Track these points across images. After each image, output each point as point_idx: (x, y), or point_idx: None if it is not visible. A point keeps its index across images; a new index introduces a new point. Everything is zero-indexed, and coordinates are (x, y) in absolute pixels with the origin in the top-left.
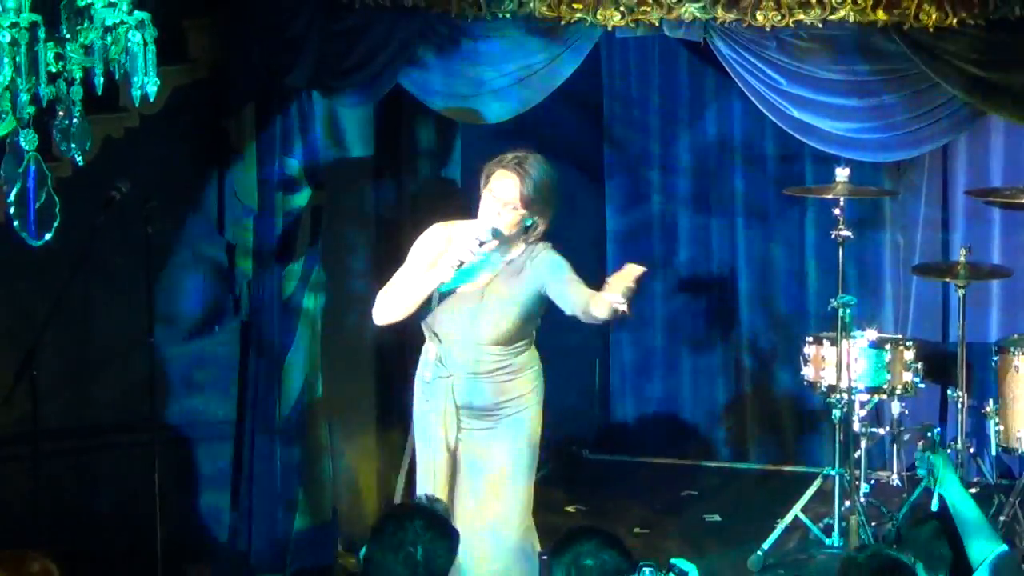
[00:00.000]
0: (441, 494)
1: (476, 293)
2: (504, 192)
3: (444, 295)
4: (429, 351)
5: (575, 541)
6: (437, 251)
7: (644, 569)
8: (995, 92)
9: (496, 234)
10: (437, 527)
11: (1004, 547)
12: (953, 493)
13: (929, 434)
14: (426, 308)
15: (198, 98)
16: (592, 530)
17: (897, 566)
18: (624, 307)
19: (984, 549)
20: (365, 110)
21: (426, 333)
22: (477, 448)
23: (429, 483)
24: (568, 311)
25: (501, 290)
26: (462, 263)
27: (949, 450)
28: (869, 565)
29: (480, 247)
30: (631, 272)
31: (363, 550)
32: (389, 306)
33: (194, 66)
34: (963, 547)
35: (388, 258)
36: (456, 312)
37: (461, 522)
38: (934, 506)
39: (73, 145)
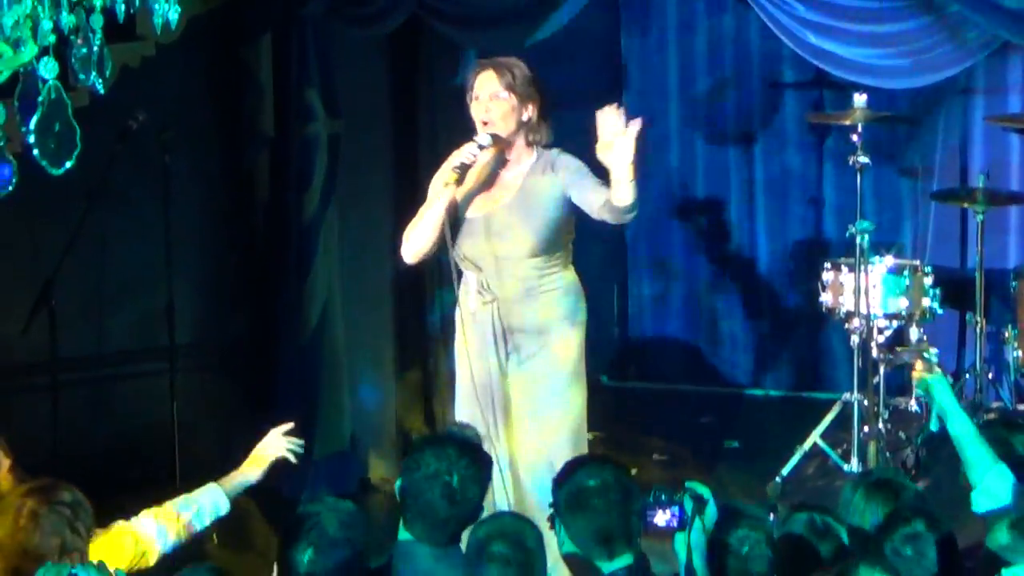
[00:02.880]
0: (492, 424)
1: (502, 209)
2: (485, 87)
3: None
4: (469, 281)
5: (575, 469)
6: (452, 169)
7: (659, 492)
8: (1013, 18)
9: (492, 135)
10: (470, 454)
11: (1005, 470)
12: (952, 415)
13: (926, 355)
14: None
15: (214, 27)
16: (590, 456)
17: (893, 485)
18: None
19: (984, 471)
20: (382, 41)
21: (460, 264)
22: (530, 372)
23: (476, 414)
24: (594, 213)
25: (527, 200)
26: (463, 166)
27: (967, 375)
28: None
29: (480, 150)
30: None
31: (398, 481)
32: (413, 239)
33: None
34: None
35: (404, 189)
36: (486, 234)
37: (520, 451)
38: (933, 426)
39: (93, 73)
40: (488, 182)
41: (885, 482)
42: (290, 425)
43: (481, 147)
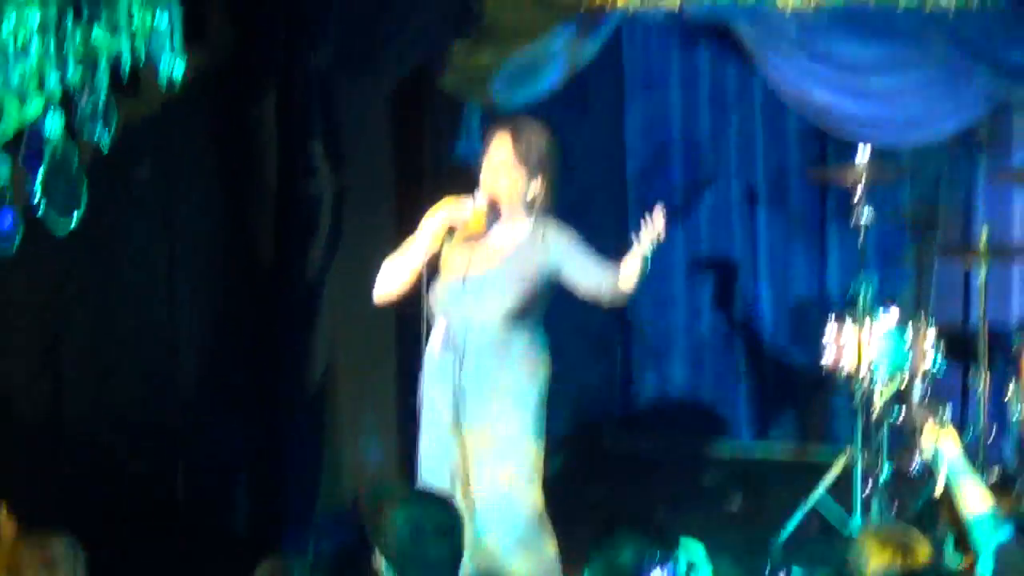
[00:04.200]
0: (451, 474)
1: (486, 273)
2: (498, 152)
3: (440, 271)
4: (437, 329)
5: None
6: (442, 225)
7: (653, 551)
8: (1016, 72)
9: (492, 203)
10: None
11: (1008, 531)
12: (960, 474)
13: (940, 409)
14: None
15: (219, 81)
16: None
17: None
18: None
19: (989, 533)
20: (387, 95)
21: (431, 312)
22: (482, 427)
23: (436, 464)
24: (587, 293)
25: (509, 266)
26: (452, 228)
27: (970, 432)
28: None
29: (474, 210)
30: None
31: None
32: (387, 278)
33: (216, 50)
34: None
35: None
36: (465, 292)
37: (479, 501)
38: (937, 492)
39: (99, 126)
40: (478, 242)
41: (899, 537)
42: None
43: (478, 208)
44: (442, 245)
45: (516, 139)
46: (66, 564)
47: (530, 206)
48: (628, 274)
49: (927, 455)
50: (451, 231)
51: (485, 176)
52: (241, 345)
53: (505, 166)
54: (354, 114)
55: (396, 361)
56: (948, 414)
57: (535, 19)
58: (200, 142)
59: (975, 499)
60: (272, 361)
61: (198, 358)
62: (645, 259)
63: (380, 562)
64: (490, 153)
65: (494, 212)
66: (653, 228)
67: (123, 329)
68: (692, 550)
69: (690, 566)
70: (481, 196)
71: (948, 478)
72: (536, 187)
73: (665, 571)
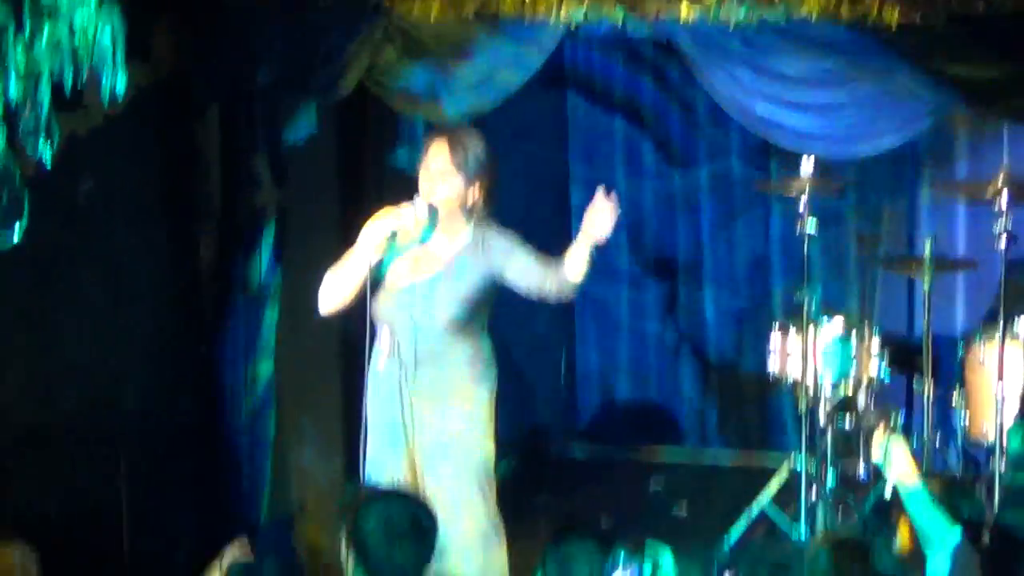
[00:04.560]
0: (398, 482)
1: (427, 281)
2: (436, 160)
3: (382, 279)
4: (382, 339)
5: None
6: (382, 233)
7: (619, 551)
8: (958, 87)
9: (431, 210)
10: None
11: (958, 532)
12: (910, 481)
13: (892, 415)
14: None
15: (162, 98)
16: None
17: (858, 546)
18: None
19: (939, 535)
20: (329, 111)
21: (375, 323)
22: (436, 437)
23: (381, 472)
24: (532, 290)
25: (451, 273)
26: (394, 235)
27: (915, 440)
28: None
29: (414, 219)
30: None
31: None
32: (330, 289)
33: (158, 66)
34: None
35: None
36: (407, 301)
37: None
38: (886, 494)
39: (41, 141)
40: (419, 250)
41: (855, 544)
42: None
43: (417, 217)
44: (384, 254)
45: (452, 147)
46: (20, 572)
47: (470, 212)
48: (574, 263)
49: (877, 459)
50: (393, 240)
51: (423, 184)
52: (184, 357)
53: (442, 173)
54: (296, 127)
55: (340, 373)
56: (900, 419)
57: (472, 32)
58: (143, 156)
59: (923, 502)
60: (215, 373)
61: (141, 370)
62: (591, 248)
63: (349, 563)
64: (427, 161)
65: (433, 219)
66: (598, 213)
67: (64, 342)
68: (658, 552)
69: (655, 567)
70: (420, 203)
71: (897, 483)
72: (474, 193)
73: (628, 572)
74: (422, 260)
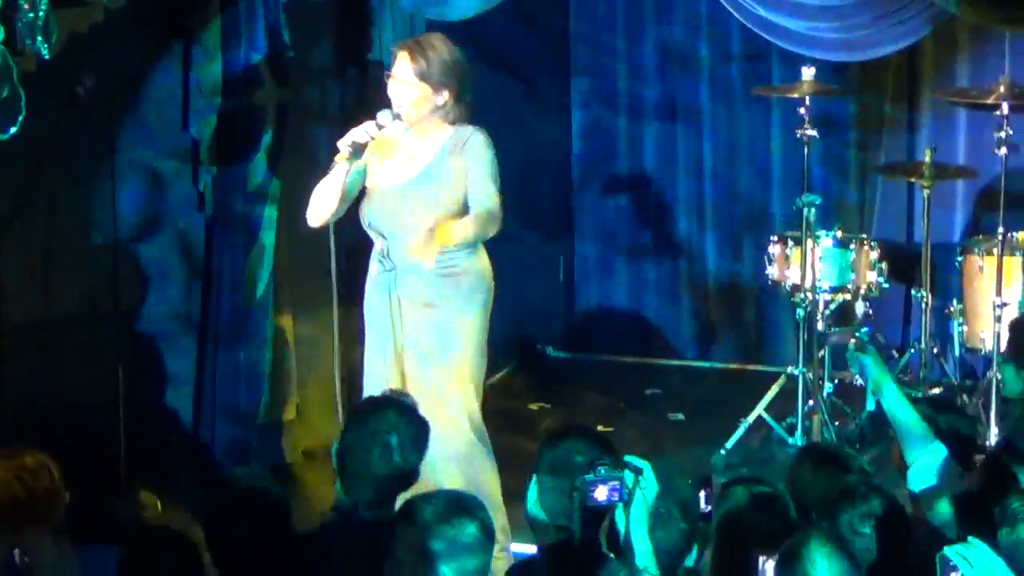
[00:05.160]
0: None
1: (406, 184)
2: (399, 70)
3: (363, 188)
4: (376, 245)
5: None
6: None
7: (599, 467)
8: None
9: (394, 116)
10: (408, 416)
11: (941, 447)
12: (886, 393)
13: (857, 334)
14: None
15: None
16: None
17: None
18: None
19: (919, 448)
20: (329, 5)
21: (367, 231)
22: (423, 344)
23: (380, 379)
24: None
25: (430, 179)
26: (355, 144)
27: (911, 351)
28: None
29: (379, 129)
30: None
31: (335, 446)
32: (313, 203)
33: None
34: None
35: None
36: (391, 204)
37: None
38: (869, 405)
39: (39, 38)
40: (398, 154)
41: (833, 455)
42: None
43: (380, 127)
44: (355, 165)
45: (413, 57)
46: (43, 474)
47: (445, 116)
48: (455, 228)
49: (852, 370)
50: (359, 150)
51: (390, 92)
52: (183, 252)
53: (405, 83)
54: (298, 26)
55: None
56: (867, 335)
57: None
58: (144, 54)
59: (900, 411)
60: (215, 274)
61: (138, 266)
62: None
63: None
64: (393, 71)
65: (403, 125)
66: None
67: (64, 236)
68: (638, 467)
69: (636, 482)
70: (383, 113)
71: (873, 394)
72: (445, 98)
73: (609, 487)
74: (403, 162)
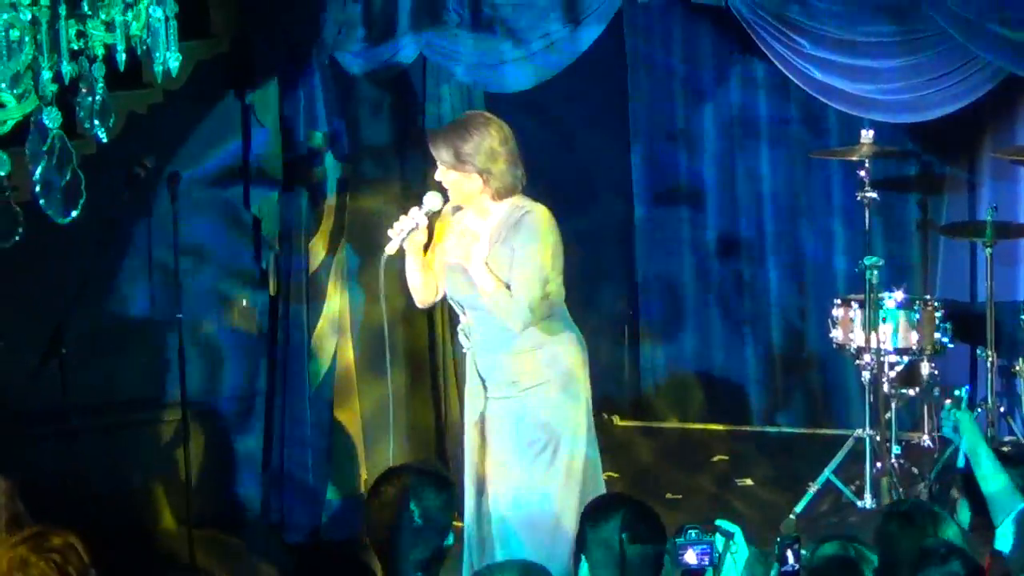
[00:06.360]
0: (472, 464)
1: (462, 256)
2: (436, 155)
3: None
4: (460, 319)
5: (609, 513)
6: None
7: (690, 531)
8: (1018, 51)
9: (444, 198)
10: (429, 479)
11: (1021, 500)
12: (980, 455)
13: (957, 392)
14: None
15: (221, 72)
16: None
17: (931, 514)
18: None
19: (1005, 506)
20: (388, 82)
21: (450, 301)
22: (498, 421)
23: (466, 453)
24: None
25: (492, 260)
26: (403, 231)
27: (979, 409)
28: (901, 511)
29: (424, 215)
30: None
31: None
32: (412, 288)
33: (216, 40)
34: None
35: None
36: (461, 281)
37: (492, 491)
38: (959, 463)
39: (96, 122)
40: (464, 230)
41: (922, 514)
42: None
43: (428, 211)
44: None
45: (436, 147)
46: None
47: (492, 194)
48: (487, 285)
49: (944, 431)
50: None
51: (436, 176)
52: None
53: (442, 173)
54: (357, 101)
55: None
56: (965, 392)
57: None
58: (203, 133)
59: (990, 472)
60: (280, 354)
61: (202, 344)
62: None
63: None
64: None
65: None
66: None
67: (128, 321)
68: (729, 531)
69: (727, 547)
70: (434, 195)
71: (964, 453)
72: (485, 177)
73: (699, 550)
74: (468, 238)
